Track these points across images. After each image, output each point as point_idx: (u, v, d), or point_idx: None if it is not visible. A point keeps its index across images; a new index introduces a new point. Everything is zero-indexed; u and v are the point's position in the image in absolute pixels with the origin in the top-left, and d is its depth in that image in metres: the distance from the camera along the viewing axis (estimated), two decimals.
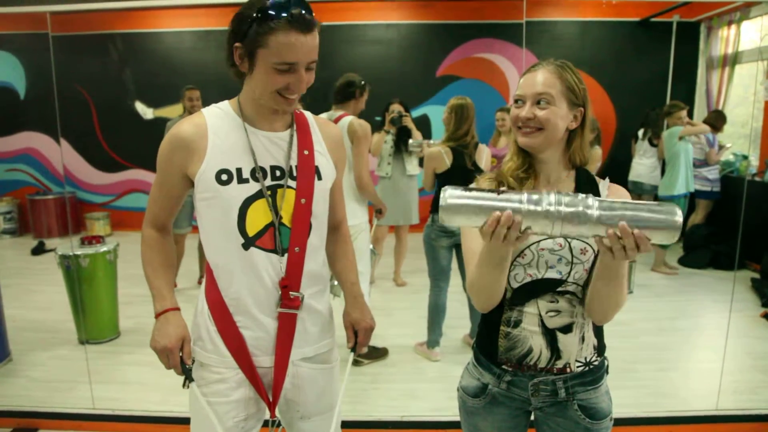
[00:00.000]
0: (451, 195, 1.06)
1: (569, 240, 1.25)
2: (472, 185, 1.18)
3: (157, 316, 1.35)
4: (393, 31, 6.78)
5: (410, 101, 5.24)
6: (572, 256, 1.26)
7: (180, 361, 1.33)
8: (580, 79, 1.28)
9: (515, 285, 1.30)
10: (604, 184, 1.33)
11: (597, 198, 1.04)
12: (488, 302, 1.28)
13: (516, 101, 1.28)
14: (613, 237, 1.03)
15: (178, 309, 1.38)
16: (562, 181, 1.32)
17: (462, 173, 3.15)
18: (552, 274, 1.27)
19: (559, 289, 1.28)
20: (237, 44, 1.23)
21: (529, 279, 1.28)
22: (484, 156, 3.27)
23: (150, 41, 6.90)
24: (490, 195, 1.05)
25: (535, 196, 1.04)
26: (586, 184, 1.31)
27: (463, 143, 3.23)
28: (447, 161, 3.22)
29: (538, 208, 1.02)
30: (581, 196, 1.03)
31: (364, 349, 1.58)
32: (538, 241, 1.26)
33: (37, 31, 5.26)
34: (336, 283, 1.67)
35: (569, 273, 1.27)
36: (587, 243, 1.25)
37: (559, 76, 1.25)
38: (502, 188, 1.17)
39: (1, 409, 2.82)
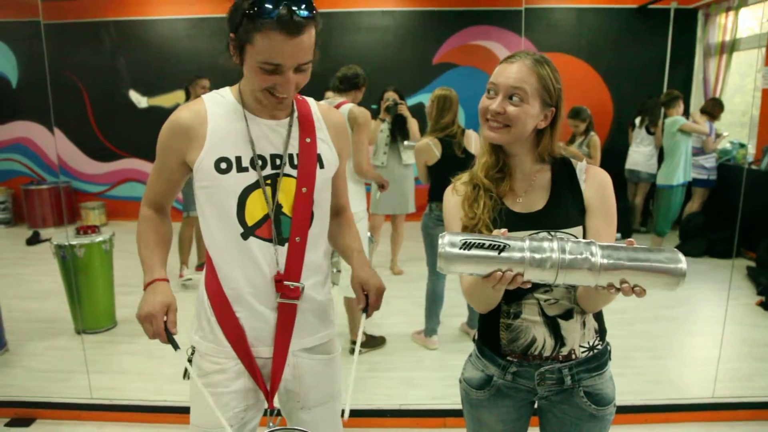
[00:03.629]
0: (450, 243, 1.01)
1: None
2: (469, 235, 1.05)
3: (145, 287, 1.33)
4: (389, 18, 6.72)
5: (406, 89, 5.20)
6: None
7: (165, 329, 1.27)
8: (557, 78, 1.25)
9: None
10: (581, 167, 1.31)
11: (600, 244, 1.01)
12: (486, 308, 1.31)
13: (488, 90, 1.26)
14: (611, 289, 1.03)
15: (166, 280, 1.35)
16: (537, 172, 1.31)
17: (453, 162, 3.13)
18: None
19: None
20: (231, 35, 1.20)
21: None
22: (473, 141, 3.26)
23: (144, 29, 6.81)
24: (491, 251, 1.01)
25: (536, 244, 1.01)
26: (562, 174, 1.30)
27: (450, 133, 3.23)
28: (437, 153, 3.21)
29: (542, 256, 1.00)
30: (583, 242, 1.02)
31: (363, 336, 1.54)
32: None
33: (28, 19, 5.19)
34: (335, 271, 1.64)
35: None
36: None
37: (535, 73, 1.22)
38: (502, 230, 1.07)
39: None
